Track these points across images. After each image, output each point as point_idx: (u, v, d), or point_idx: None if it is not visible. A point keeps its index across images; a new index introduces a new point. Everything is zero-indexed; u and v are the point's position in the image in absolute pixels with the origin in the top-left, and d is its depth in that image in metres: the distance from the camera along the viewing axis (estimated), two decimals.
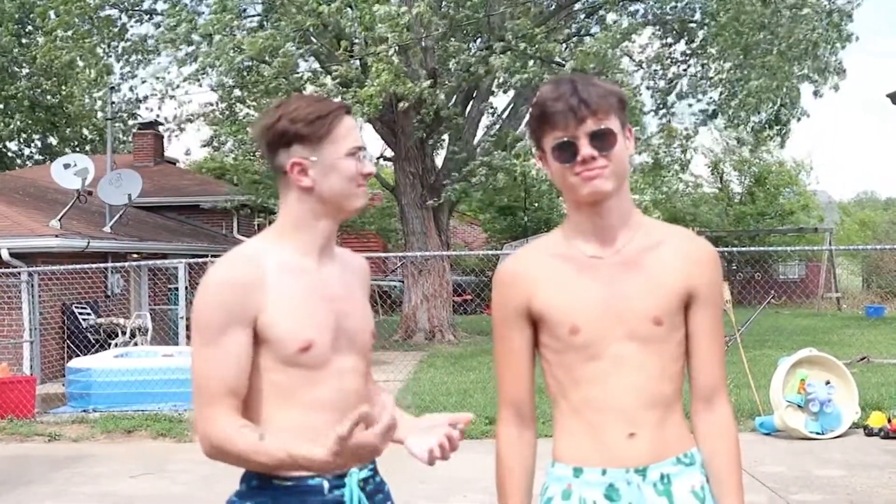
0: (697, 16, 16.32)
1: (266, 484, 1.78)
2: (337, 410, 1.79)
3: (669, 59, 17.33)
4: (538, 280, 1.79)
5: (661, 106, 16.82)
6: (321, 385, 1.79)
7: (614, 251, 1.78)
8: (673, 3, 16.91)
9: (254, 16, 15.59)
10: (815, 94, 15.47)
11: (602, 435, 1.75)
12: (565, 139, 1.71)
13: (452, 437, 1.79)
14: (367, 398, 1.91)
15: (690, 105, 17.08)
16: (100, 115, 24.25)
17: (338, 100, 1.93)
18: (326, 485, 1.78)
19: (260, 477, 1.78)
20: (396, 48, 12.57)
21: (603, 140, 1.70)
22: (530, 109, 1.79)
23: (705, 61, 16.58)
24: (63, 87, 22.74)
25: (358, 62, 13.08)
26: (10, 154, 28.47)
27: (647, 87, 16.96)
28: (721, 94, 16.28)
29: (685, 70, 17.17)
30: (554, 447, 1.84)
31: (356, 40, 13.27)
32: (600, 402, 1.75)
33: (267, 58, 13.21)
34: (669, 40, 17.37)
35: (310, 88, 15.23)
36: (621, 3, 16.19)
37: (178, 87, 14.95)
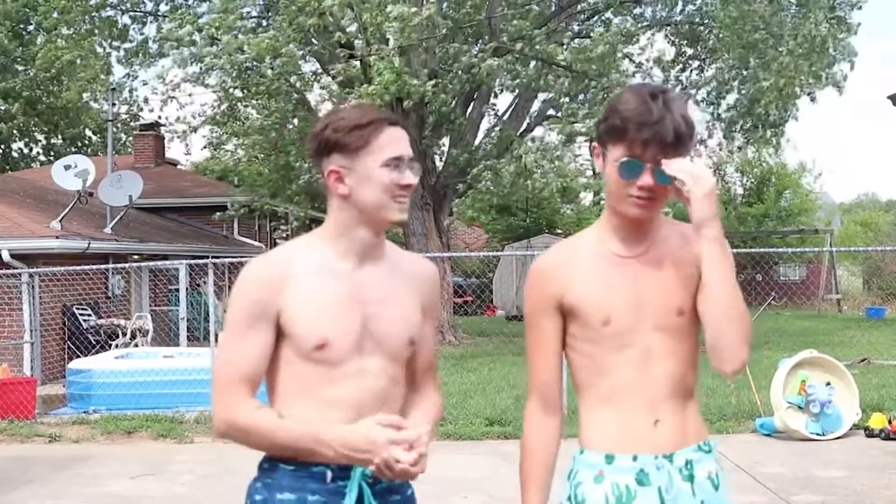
0: (704, 19, 16.32)
1: (273, 466, 1.87)
2: (353, 409, 1.84)
3: (681, 66, 17.34)
4: (573, 274, 1.89)
5: None
6: (339, 383, 1.85)
7: (642, 251, 1.89)
8: (680, 6, 16.94)
9: (254, 17, 15.61)
10: (812, 99, 15.46)
11: (630, 422, 1.85)
12: (634, 161, 1.77)
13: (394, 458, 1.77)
14: (394, 402, 1.92)
15: (710, 110, 17.06)
16: (101, 116, 24.28)
17: (385, 111, 1.90)
18: (330, 473, 1.83)
19: (270, 460, 1.88)
20: (398, 49, 12.53)
21: (666, 176, 1.77)
22: (611, 112, 1.81)
23: (719, 64, 16.56)
24: (62, 87, 22.76)
25: (358, 63, 13.07)
26: (14, 155, 28.49)
27: None
28: (721, 91, 16.27)
29: (699, 74, 17.18)
30: (581, 435, 1.92)
31: (357, 40, 13.27)
32: (628, 389, 1.85)
33: (268, 59, 13.21)
34: (680, 44, 17.38)
35: (315, 89, 15.26)
36: (623, 4, 16.21)
37: (178, 87, 14.97)
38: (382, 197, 1.86)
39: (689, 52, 17.56)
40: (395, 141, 1.86)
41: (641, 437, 1.84)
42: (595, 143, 1.88)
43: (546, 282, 1.91)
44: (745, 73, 14.97)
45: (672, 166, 1.75)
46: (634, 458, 1.84)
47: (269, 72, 13.12)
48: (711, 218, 1.76)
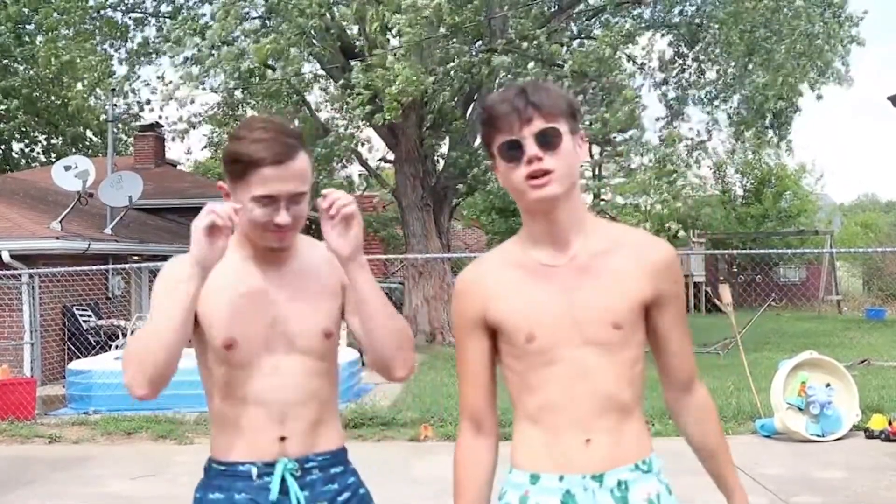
0: (704, 20, 16.31)
1: (209, 466, 1.98)
2: (274, 406, 1.92)
3: (680, 66, 17.33)
4: (493, 289, 1.80)
5: (672, 112, 16.79)
6: (253, 381, 1.92)
7: (569, 258, 1.78)
8: (680, 7, 16.94)
9: (255, 18, 15.62)
10: (819, 98, 15.41)
11: (558, 441, 1.76)
12: (511, 139, 1.71)
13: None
14: (319, 396, 1.97)
15: (710, 112, 17.05)
16: (102, 116, 24.28)
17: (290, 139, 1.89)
18: (255, 471, 1.91)
19: (209, 460, 1.99)
20: (411, 45, 12.42)
21: (549, 140, 1.69)
22: (479, 117, 1.80)
23: (718, 65, 16.56)
24: (63, 86, 22.78)
25: (358, 63, 13.07)
26: (14, 155, 28.47)
27: (658, 92, 16.96)
28: (726, 96, 16.27)
29: (699, 75, 17.17)
30: (511, 453, 1.84)
31: (358, 42, 13.27)
32: (556, 407, 1.75)
33: (271, 62, 13.20)
34: (681, 47, 17.38)
35: (315, 90, 15.27)
36: (624, 6, 16.22)
37: (179, 89, 14.96)
38: (255, 229, 1.90)
39: (689, 53, 17.54)
40: (268, 180, 1.83)
41: (570, 456, 1.74)
42: (491, 161, 1.81)
43: (467, 298, 1.83)
44: (747, 71, 14.95)
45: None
46: (560, 479, 1.74)
47: (270, 73, 13.12)
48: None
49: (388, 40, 12.36)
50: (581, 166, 1.80)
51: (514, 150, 1.71)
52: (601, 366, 1.74)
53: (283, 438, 1.92)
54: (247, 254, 1.98)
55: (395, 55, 12.04)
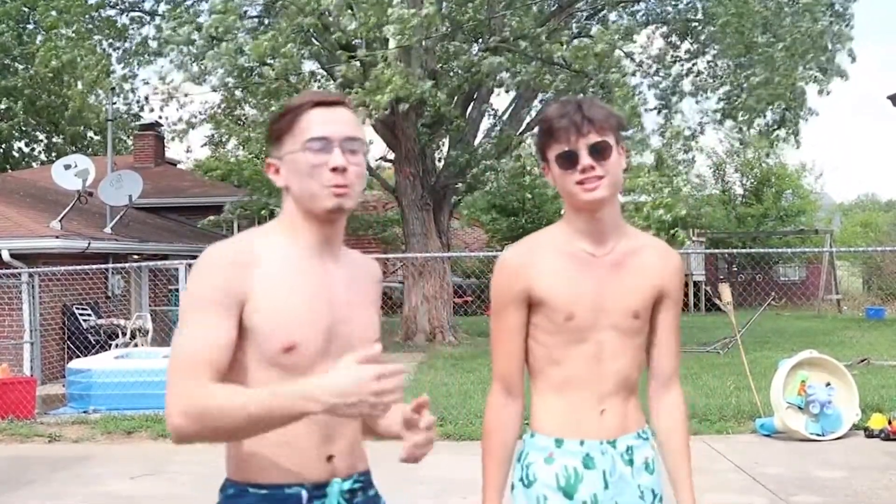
0: (699, 15, 16.27)
1: (241, 492, 1.72)
2: (319, 422, 1.71)
3: (673, 59, 17.29)
4: (540, 270, 2.01)
5: (664, 106, 16.74)
6: None
7: (606, 251, 2.03)
8: (674, 2, 16.91)
9: (254, 16, 15.60)
10: (820, 92, 15.34)
11: (578, 411, 2.01)
12: (567, 150, 1.95)
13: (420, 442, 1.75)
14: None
15: (698, 102, 17.01)
16: (101, 115, 24.28)
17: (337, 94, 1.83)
18: (305, 494, 1.70)
19: (236, 485, 1.73)
20: (399, 51, 12.48)
21: (601, 152, 1.94)
22: (538, 126, 2.06)
23: (710, 59, 16.54)
24: (63, 85, 22.78)
25: (358, 63, 13.07)
26: (15, 154, 28.46)
27: (650, 87, 16.91)
28: (725, 92, 16.22)
29: (691, 69, 17.13)
30: (532, 420, 2.08)
31: (356, 41, 13.25)
32: (580, 381, 2.01)
33: (269, 60, 13.18)
34: (673, 39, 17.33)
35: (315, 89, 15.21)
36: (621, 5, 16.21)
37: (178, 89, 14.96)
38: (309, 184, 1.70)
39: (682, 46, 17.47)
40: (321, 121, 1.70)
41: (588, 424, 2.00)
42: (543, 164, 2.04)
43: (515, 274, 2.02)
44: (749, 70, 14.93)
45: None
46: (581, 443, 1.99)
47: (270, 72, 13.10)
48: None
49: (378, 44, 12.35)
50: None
51: (569, 159, 1.95)
52: (619, 349, 2.01)
53: (330, 457, 1.74)
54: (302, 244, 1.76)
55: (388, 63, 12.04)
